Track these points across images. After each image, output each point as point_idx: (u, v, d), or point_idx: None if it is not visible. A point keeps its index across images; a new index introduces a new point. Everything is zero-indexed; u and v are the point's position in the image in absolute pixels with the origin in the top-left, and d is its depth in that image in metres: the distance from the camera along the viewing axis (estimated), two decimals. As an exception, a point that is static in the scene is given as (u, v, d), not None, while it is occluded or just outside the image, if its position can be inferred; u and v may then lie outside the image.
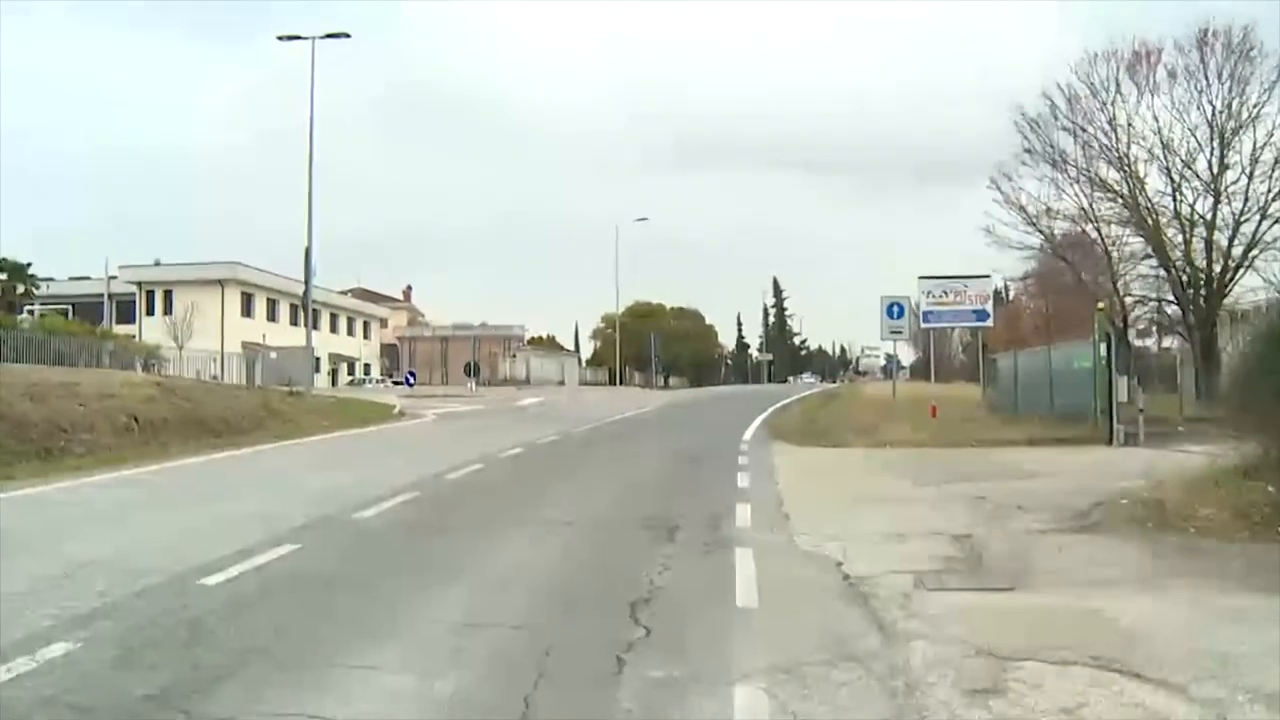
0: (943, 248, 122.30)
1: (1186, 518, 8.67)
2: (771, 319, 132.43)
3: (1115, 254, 28.38)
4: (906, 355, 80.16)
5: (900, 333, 23.96)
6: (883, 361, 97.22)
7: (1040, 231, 30.07)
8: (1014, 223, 29.98)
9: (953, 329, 25.85)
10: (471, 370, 73.29)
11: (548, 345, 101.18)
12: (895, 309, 23.18)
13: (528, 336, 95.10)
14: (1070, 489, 11.17)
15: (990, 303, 24.75)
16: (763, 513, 9.92)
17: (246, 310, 59.36)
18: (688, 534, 8.68)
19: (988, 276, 24.70)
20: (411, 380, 54.11)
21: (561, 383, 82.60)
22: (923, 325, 25.34)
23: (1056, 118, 28.57)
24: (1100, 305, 19.31)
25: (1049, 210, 29.22)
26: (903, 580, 6.76)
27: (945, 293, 23.52)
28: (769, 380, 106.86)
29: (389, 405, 32.14)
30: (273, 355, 42.60)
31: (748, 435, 21.40)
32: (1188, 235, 26.80)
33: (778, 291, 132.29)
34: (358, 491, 11.20)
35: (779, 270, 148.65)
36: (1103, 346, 18.42)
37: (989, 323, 24.80)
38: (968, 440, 18.66)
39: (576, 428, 23.66)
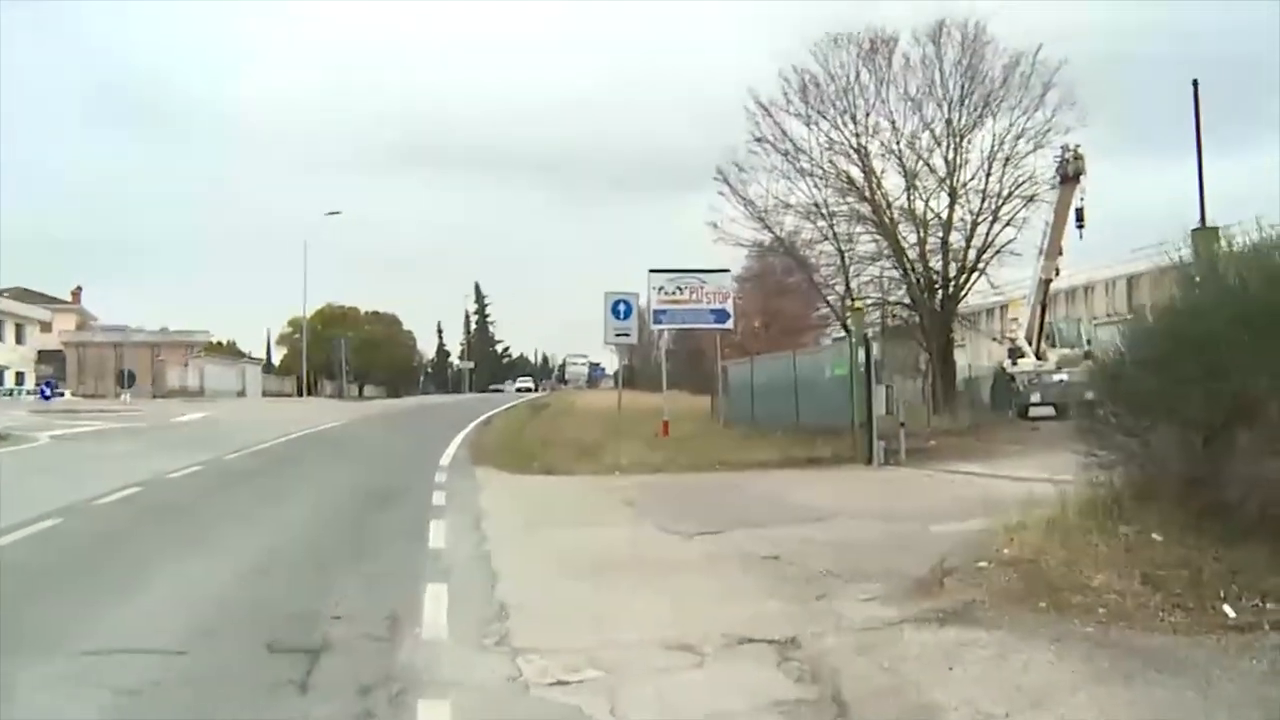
0: (659, 256, 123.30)
1: (1081, 589, 6.33)
2: (474, 326, 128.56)
3: (849, 254, 27.26)
4: (610, 362, 79.38)
5: (628, 335, 20.96)
6: (586, 370, 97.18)
7: (769, 228, 28.70)
8: (740, 218, 28.49)
9: (661, 333, 23.62)
10: (125, 380, 64.88)
11: (229, 351, 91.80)
12: (621, 307, 20.16)
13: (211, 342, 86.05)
14: (881, 539, 8.84)
15: (730, 302, 22.52)
16: (467, 604, 6.60)
17: None
18: (338, 667, 5.21)
19: (727, 271, 22.39)
20: (48, 391, 45.73)
21: (242, 393, 75.16)
22: (653, 326, 22.73)
23: (790, 102, 27.20)
24: (856, 305, 17.57)
25: (779, 205, 27.85)
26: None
27: (679, 289, 20.88)
28: (470, 389, 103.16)
29: (-8, 425, 25.73)
30: None
31: (445, 459, 18.00)
32: (923, 235, 26.10)
33: (480, 297, 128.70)
34: None
35: (485, 276, 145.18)
36: (861, 352, 16.57)
37: (729, 324, 22.58)
38: (712, 463, 16.56)
39: (233, 451, 19.24)
